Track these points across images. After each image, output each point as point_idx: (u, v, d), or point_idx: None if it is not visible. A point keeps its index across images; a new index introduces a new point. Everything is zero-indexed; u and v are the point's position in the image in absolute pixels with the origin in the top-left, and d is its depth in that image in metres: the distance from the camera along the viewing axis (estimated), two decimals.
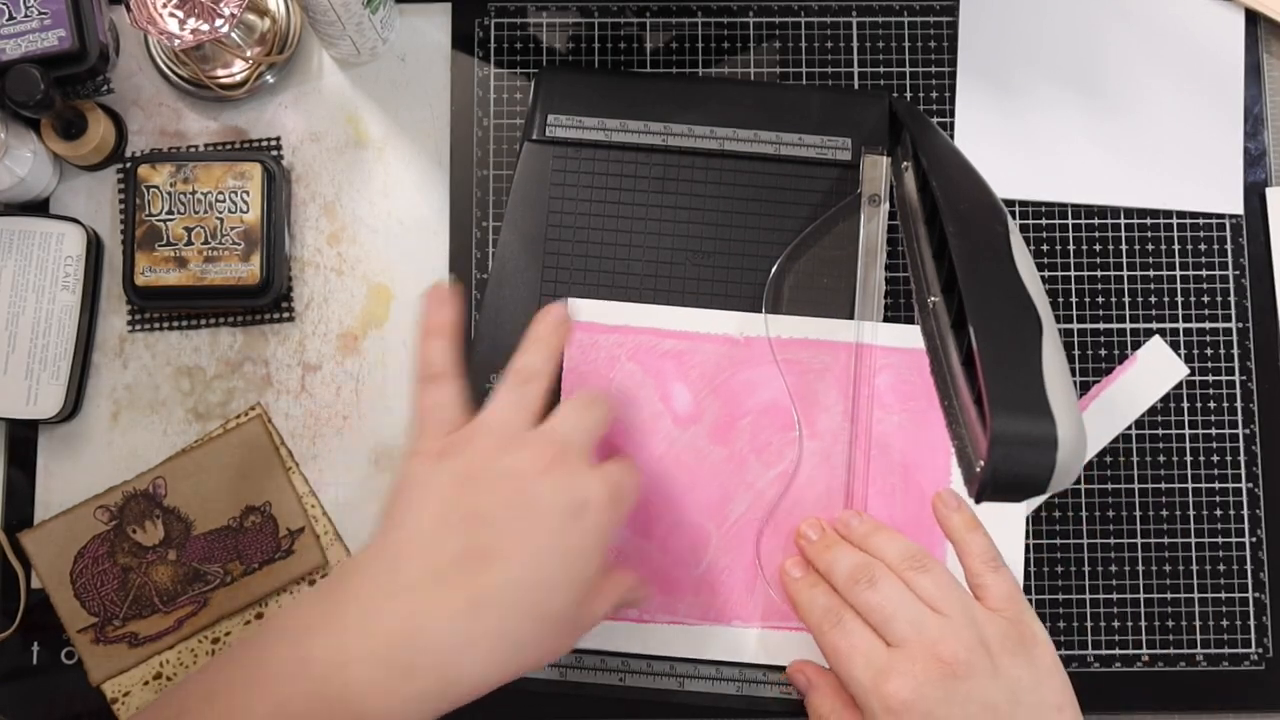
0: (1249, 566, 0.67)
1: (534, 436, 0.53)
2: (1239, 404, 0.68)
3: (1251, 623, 0.66)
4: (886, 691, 0.54)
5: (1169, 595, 0.67)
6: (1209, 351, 0.68)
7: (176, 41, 0.61)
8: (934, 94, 0.70)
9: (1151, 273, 0.68)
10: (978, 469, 0.49)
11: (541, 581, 0.49)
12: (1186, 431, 0.68)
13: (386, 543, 0.51)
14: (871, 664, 0.55)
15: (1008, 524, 0.64)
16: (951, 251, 0.53)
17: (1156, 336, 0.68)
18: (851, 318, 0.64)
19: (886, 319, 0.66)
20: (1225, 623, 0.66)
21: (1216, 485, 0.67)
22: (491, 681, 0.49)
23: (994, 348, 0.49)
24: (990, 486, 0.48)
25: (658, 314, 0.64)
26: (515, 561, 0.49)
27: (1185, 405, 0.68)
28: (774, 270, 0.65)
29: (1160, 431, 0.67)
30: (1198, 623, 0.66)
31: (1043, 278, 0.68)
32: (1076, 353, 0.68)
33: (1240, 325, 0.68)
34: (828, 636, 0.57)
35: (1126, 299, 0.68)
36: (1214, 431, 0.67)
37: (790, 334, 0.64)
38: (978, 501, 0.49)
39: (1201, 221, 0.69)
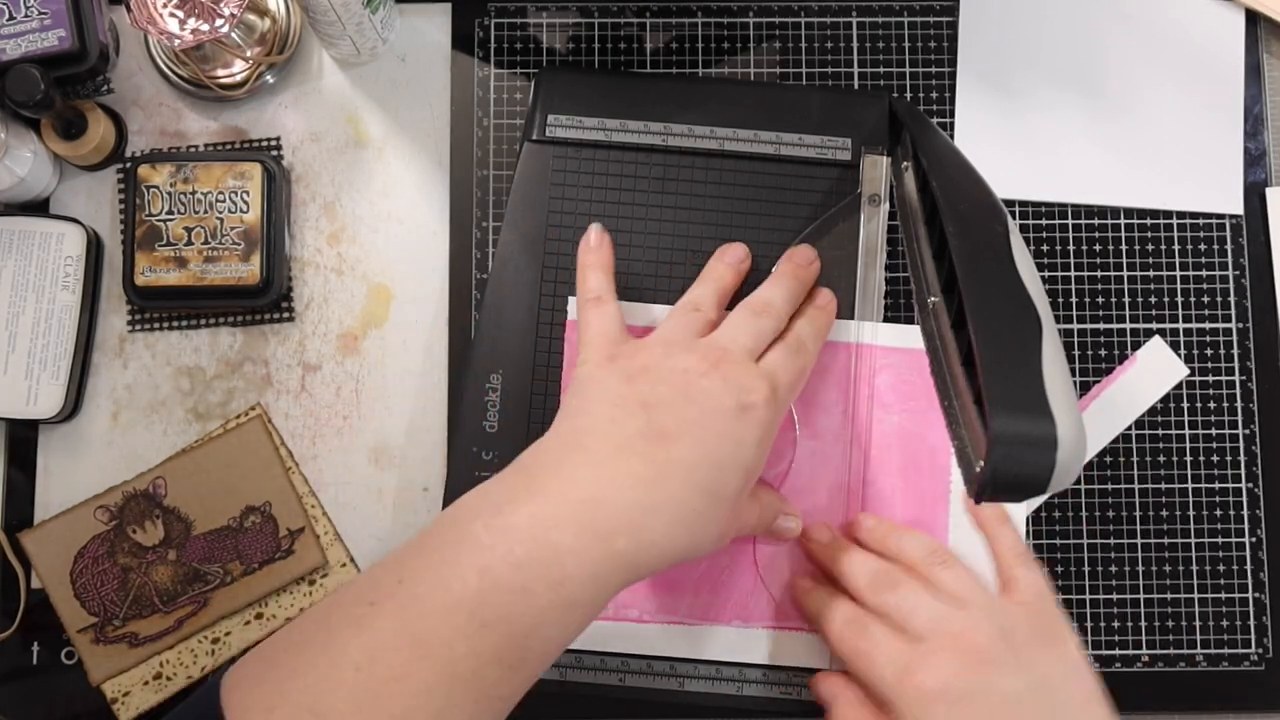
0: (1249, 566, 0.67)
1: (699, 344, 0.56)
2: (1239, 404, 0.68)
3: (1251, 623, 0.66)
4: (914, 684, 0.55)
5: (1169, 595, 0.67)
6: (1209, 351, 0.68)
7: (176, 41, 0.61)
8: (934, 94, 0.70)
9: (1151, 273, 0.68)
10: (978, 469, 0.49)
11: (715, 461, 0.52)
12: (1186, 431, 0.68)
13: (568, 429, 0.54)
14: (895, 661, 0.56)
15: None
16: (951, 251, 0.53)
17: (1156, 336, 0.68)
18: (852, 318, 0.64)
19: (886, 319, 0.66)
20: (1225, 623, 0.66)
21: (1216, 485, 0.67)
22: (675, 552, 0.51)
23: (994, 348, 0.49)
24: (990, 486, 0.48)
25: (661, 315, 0.64)
26: (691, 440, 0.52)
27: (1185, 405, 0.68)
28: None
29: (1160, 431, 0.67)
30: (1198, 623, 0.66)
31: (1043, 278, 0.68)
32: (1076, 353, 0.68)
33: (1240, 325, 0.68)
34: (849, 643, 0.58)
35: (1126, 299, 0.68)
36: (1214, 431, 0.67)
37: None
38: (977, 501, 0.50)
39: (1201, 221, 0.69)
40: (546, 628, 0.48)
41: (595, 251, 0.61)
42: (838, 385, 0.64)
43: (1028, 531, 0.67)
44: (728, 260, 0.62)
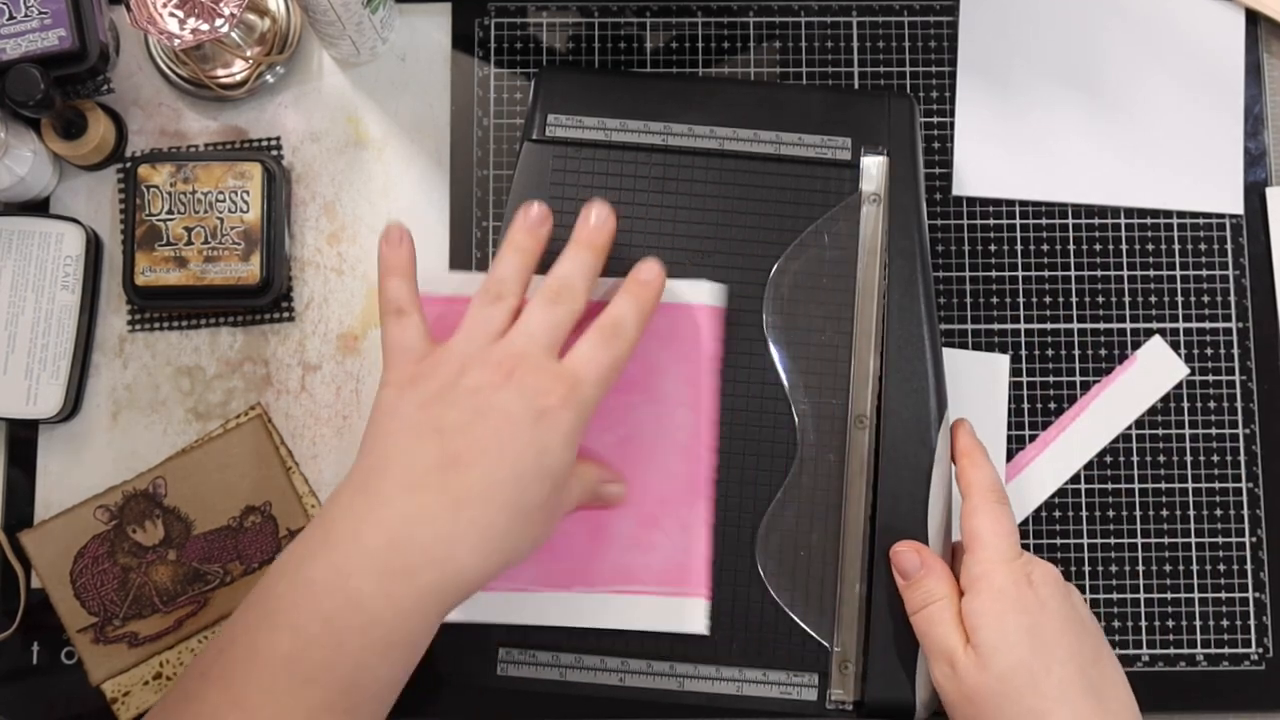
0: (1249, 566, 0.67)
1: (493, 351, 0.54)
2: (1239, 404, 0.68)
3: (1251, 623, 0.66)
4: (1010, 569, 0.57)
5: (1169, 595, 0.67)
6: (1209, 351, 0.68)
7: (176, 41, 0.61)
8: (934, 94, 0.70)
9: (1151, 273, 0.68)
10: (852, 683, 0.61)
11: (514, 477, 0.51)
12: (1186, 431, 0.68)
13: (365, 467, 0.53)
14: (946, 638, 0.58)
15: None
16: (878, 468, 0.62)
17: (1156, 336, 0.68)
18: (852, 316, 0.64)
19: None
20: (1225, 623, 0.66)
21: (1216, 485, 0.67)
22: (488, 571, 0.51)
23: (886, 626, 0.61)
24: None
25: (462, 284, 0.61)
26: (487, 461, 0.51)
27: (1185, 405, 0.68)
28: (774, 270, 0.65)
29: (1160, 431, 0.67)
30: (1198, 623, 0.66)
31: (1043, 277, 0.68)
32: (1077, 353, 0.68)
33: (1240, 325, 0.68)
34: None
35: (1126, 299, 0.68)
36: (1214, 431, 0.67)
37: None
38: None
39: (1201, 221, 0.69)
40: (371, 671, 0.49)
41: (395, 251, 0.57)
42: (678, 347, 0.63)
43: (1028, 532, 0.67)
44: (530, 223, 0.58)
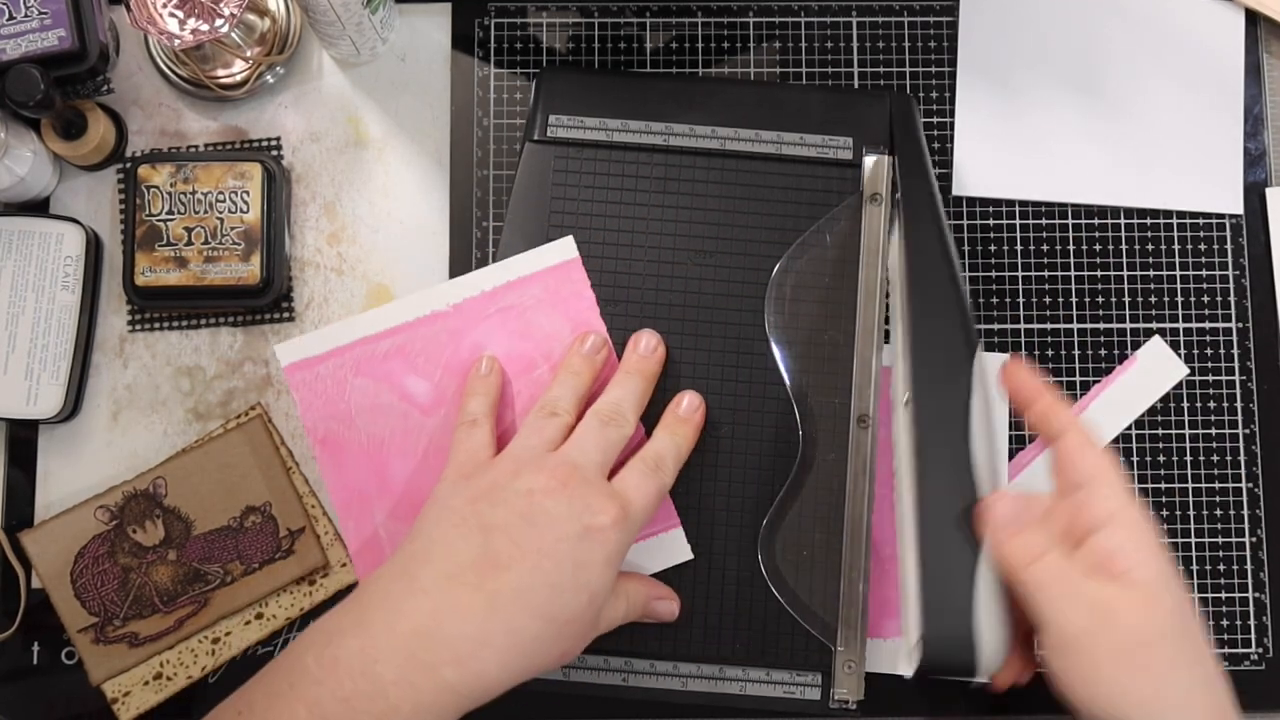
0: (1249, 566, 0.67)
1: (549, 460, 0.56)
2: (1239, 404, 0.68)
3: (1251, 623, 0.66)
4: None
5: None
6: (1209, 351, 0.68)
7: (176, 41, 0.61)
8: (934, 94, 0.70)
9: (1151, 273, 0.69)
10: (915, 643, 0.57)
11: (552, 585, 0.52)
12: (1186, 431, 0.68)
13: (407, 553, 0.54)
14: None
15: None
16: (913, 408, 0.59)
17: (1156, 336, 0.68)
18: (854, 315, 0.64)
19: (889, 316, 0.66)
20: (1225, 623, 0.66)
21: (1216, 485, 0.67)
22: (510, 677, 0.52)
23: (934, 553, 0.57)
24: (922, 674, 0.57)
25: (360, 322, 0.64)
26: (526, 566, 0.52)
27: (1185, 405, 0.68)
28: (776, 270, 0.65)
29: (1160, 431, 0.67)
30: None
31: (1043, 277, 0.68)
32: (1077, 353, 0.68)
33: (1240, 325, 0.68)
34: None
35: (1126, 299, 0.68)
36: (1214, 431, 0.68)
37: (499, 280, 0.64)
38: (912, 675, 0.58)
39: (1201, 221, 0.69)
40: None
41: (483, 380, 0.62)
42: (564, 308, 0.64)
43: None
44: (586, 351, 0.62)
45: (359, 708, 0.49)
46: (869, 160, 0.65)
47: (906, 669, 0.61)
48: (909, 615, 0.59)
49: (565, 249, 0.65)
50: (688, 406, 0.62)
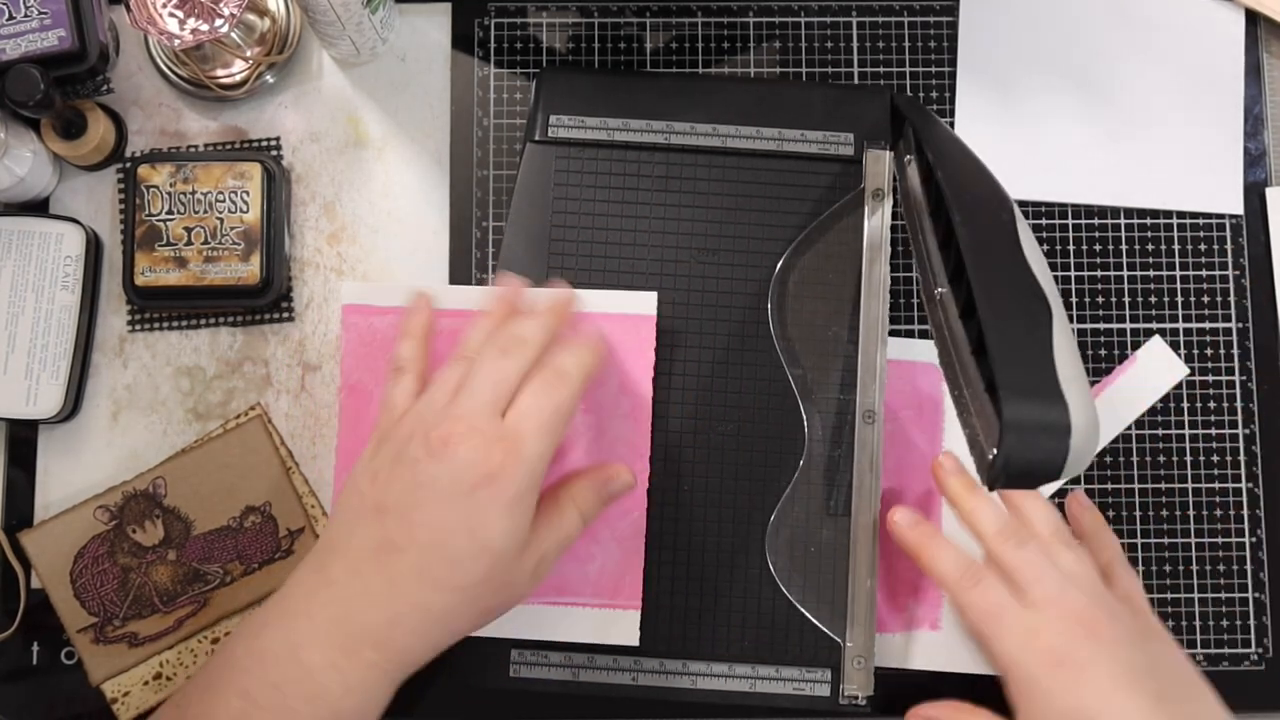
0: (1249, 566, 0.67)
1: (440, 418, 0.54)
2: (1239, 404, 0.68)
3: (1251, 623, 0.66)
4: (1042, 647, 0.56)
5: (1169, 595, 0.67)
6: (1209, 351, 0.68)
7: (176, 41, 0.61)
8: (934, 94, 0.70)
9: (1151, 273, 0.69)
10: (990, 456, 0.49)
11: (448, 558, 0.52)
12: (1186, 431, 0.68)
13: (322, 543, 0.55)
14: (1020, 622, 0.57)
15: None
16: (959, 241, 0.53)
17: (1156, 336, 0.68)
18: (858, 311, 0.64)
19: (892, 314, 0.66)
20: (1225, 623, 0.66)
21: (1216, 485, 0.67)
22: (434, 646, 0.53)
23: (1004, 335, 0.49)
24: (1004, 474, 0.48)
25: (431, 292, 0.63)
26: (419, 544, 0.52)
27: (1185, 405, 0.68)
28: (778, 266, 0.65)
29: (1160, 431, 0.67)
30: (1198, 623, 0.66)
31: None
32: None
33: (1240, 325, 0.68)
34: (968, 595, 0.59)
35: (1126, 299, 0.68)
36: (1214, 431, 0.68)
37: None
38: (991, 489, 0.50)
39: (1201, 221, 0.69)
40: None
41: (413, 318, 0.61)
42: (616, 358, 0.63)
43: None
44: (555, 302, 0.60)
45: (290, 692, 0.50)
46: (870, 156, 0.65)
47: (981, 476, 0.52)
48: (976, 432, 0.52)
49: (646, 303, 0.63)
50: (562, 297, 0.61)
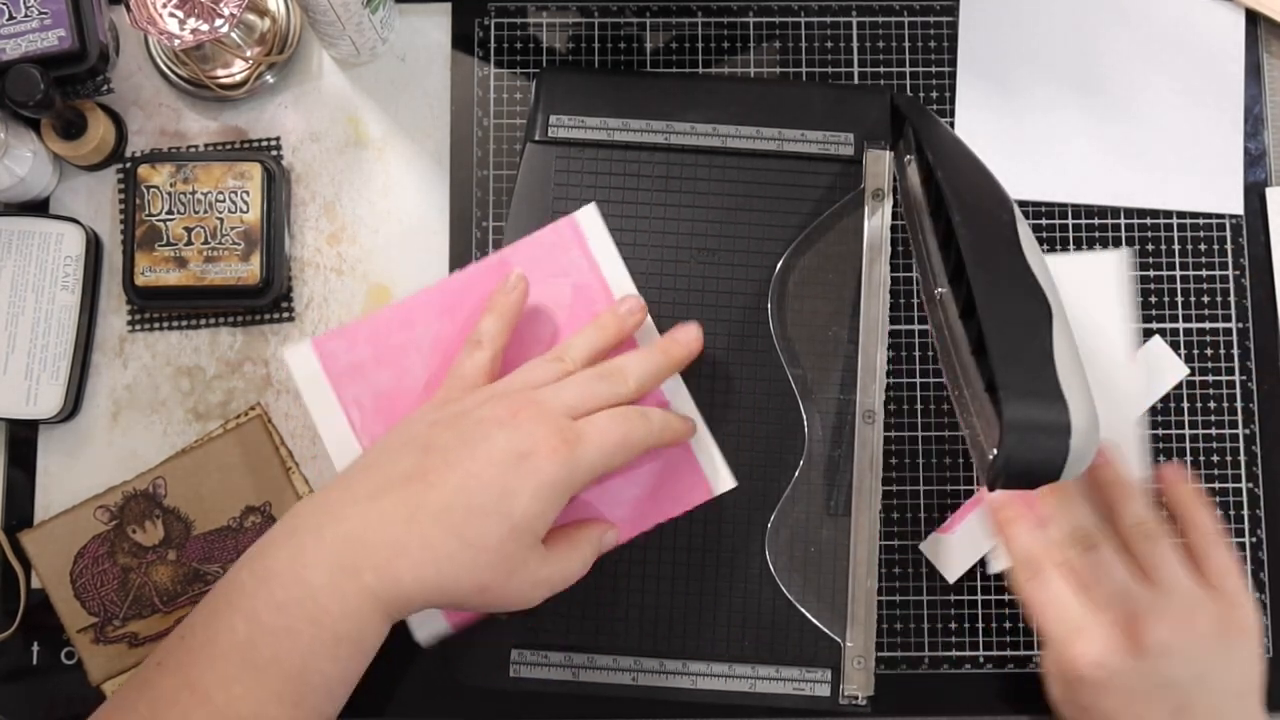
0: (1249, 567, 0.67)
1: (519, 395, 0.55)
2: (1239, 404, 0.68)
3: None
4: (1072, 654, 0.57)
5: None
6: (1209, 351, 0.68)
7: (176, 41, 0.61)
8: (934, 94, 0.70)
9: (1151, 273, 0.69)
10: (990, 456, 0.49)
11: (471, 506, 0.52)
12: (1186, 431, 0.68)
13: (355, 465, 0.56)
14: (1065, 621, 0.57)
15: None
16: (958, 241, 0.53)
17: (1156, 336, 0.68)
18: (858, 311, 0.64)
19: (892, 314, 0.66)
20: None
21: (1216, 485, 0.67)
22: (425, 591, 0.52)
23: (1004, 335, 0.50)
24: (1004, 474, 0.48)
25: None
26: (451, 485, 0.52)
27: (1185, 405, 0.68)
28: (778, 266, 0.65)
29: (1160, 431, 0.67)
30: None
31: None
32: None
33: (1240, 325, 0.68)
34: (1025, 587, 0.59)
35: None
36: (1214, 431, 0.68)
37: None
38: (991, 489, 0.50)
39: (1201, 221, 0.69)
40: (318, 663, 0.50)
41: (504, 297, 0.60)
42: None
43: None
44: (621, 311, 0.60)
45: (294, 614, 0.50)
46: (870, 156, 0.65)
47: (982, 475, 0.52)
48: (976, 432, 0.53)
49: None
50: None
